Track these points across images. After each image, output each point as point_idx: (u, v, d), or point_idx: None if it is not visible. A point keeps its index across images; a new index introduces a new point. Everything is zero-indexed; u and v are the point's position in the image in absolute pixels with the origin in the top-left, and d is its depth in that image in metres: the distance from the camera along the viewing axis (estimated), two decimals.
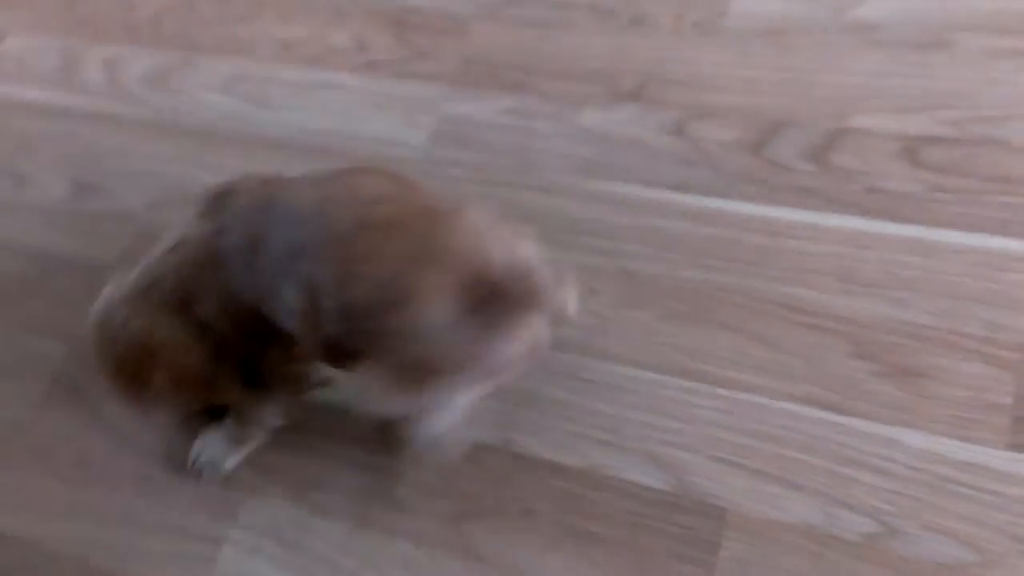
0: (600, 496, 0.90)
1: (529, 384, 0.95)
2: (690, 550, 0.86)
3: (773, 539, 0.85)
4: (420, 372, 0.74)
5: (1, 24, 1.49)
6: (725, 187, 1.07)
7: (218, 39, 1.37)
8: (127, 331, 0.83)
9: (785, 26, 1.16)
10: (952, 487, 0.85)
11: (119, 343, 0.84)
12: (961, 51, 1.09)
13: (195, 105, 1.31)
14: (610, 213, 1.07)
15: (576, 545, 0.88)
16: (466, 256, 0.70)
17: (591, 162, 1.12)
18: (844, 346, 0.94)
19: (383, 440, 0.96)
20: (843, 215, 1.01)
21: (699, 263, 1.02)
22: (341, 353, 0.78)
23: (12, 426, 1.09)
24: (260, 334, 0.82)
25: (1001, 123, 1.03)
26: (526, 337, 0.73)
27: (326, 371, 0.87)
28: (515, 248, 0.73)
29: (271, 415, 0.95)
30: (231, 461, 0.98)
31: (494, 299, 0.69)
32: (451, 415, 0.87)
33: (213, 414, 0.98)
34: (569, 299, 0.72)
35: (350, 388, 0.87)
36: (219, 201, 0.82)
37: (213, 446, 0.98)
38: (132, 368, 0.84)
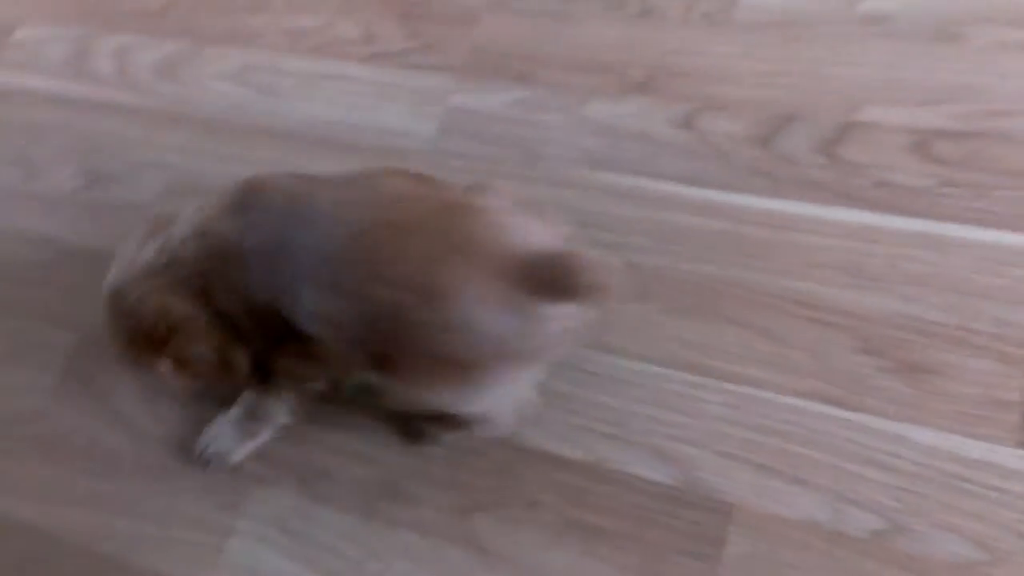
0: (605, 490, 0.90)
1: None
2: (695, 545, 0.86)
3: (779, 535, 0.85)
4: (458, 365, 0.74)
5: (13, 14, 1.49)
6: (733, 180, 1.06)
7: (227, 28, 1.37)
8: (144, 306, 0.84)
9: (795, 18, 1.15)
10: (960, 484, 0.84)
11: (135, 317, 0.85)
12: (972, 44, 1.07)
13: (204, 95, 1.31)
14: (617, 206, 1.07)
15: (580, 539, 0.88)
16: (494, 245, 0.70)
17: (598, 154, 1.11)
18: (851, 341, 0.93)
19: (390, 432, 0.97)
20: (851, 209, 1.01)
21: (706, 257, 1.01)
22: (372, 356, 0.78)
23: (23, 415, 1.09)
24: (278, 333, 0.82)
25: (1012, 117, 1.02)
26: (564, 319, 0.73)
27: (362, 377, 0.86)
28: (544, 232, 0.73)
29: (283, 412, 0.95)
30: (239, 453, 0.98)
31: (529, 284, 0.69)
32: (499, 404, 0.88)
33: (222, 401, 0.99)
34: (609, 277, 0.70)
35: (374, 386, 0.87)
36: (248, 197, 0.82)
37: (222, 437, 0.98)
38: (146, 342, 0.86)
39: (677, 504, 0.88)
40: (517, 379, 0.82)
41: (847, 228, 1.00)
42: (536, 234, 0.73)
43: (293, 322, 0.80)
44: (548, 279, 0.69)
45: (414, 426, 0.95)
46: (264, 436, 0.97)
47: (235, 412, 0.97)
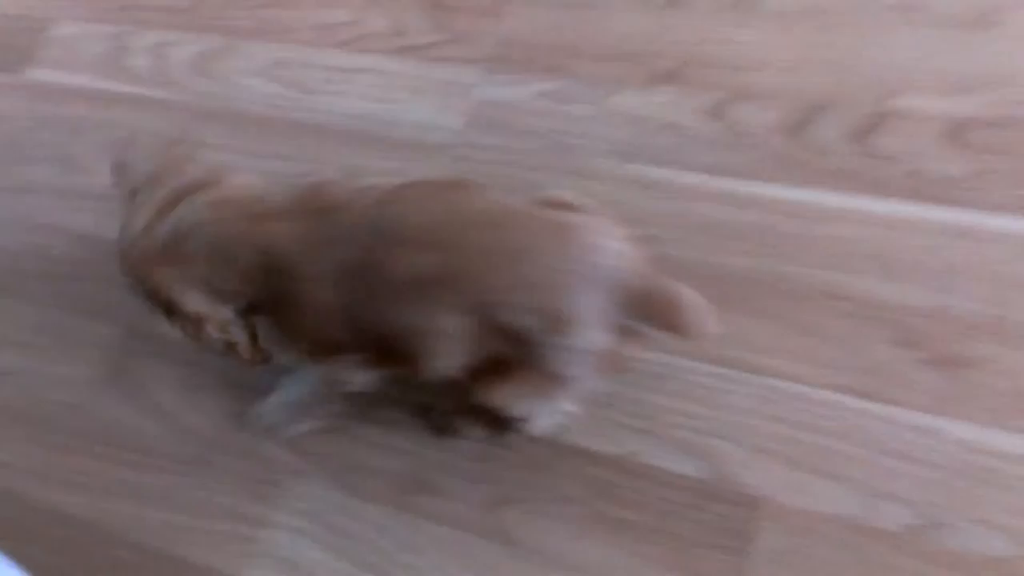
0: (634, 484, 0.90)
1: None
2: (724, 539, 0.86)
3: (809, 529, 0.84)
4: (557, 379, 0.76)
5: (51, 12, 1.51)
6: (763, 171, 1.05)
7: (259, 23, 1.38)
8: (150, 282, 0.84)
9: (826, 5, 1.13)
10: (996, 478, 0.83)
11: (144, 285, 0.85)
12: (1008, 30, 1.05)
13: (237, 90, 1.32)
14: (646, 197, 1.06)
15: (609, 532, 0.89)
16: (605, 271, 0.72)
17: (627, 145, 1.11)
18: (885, 333, 0.92)
19: (420, 426, 0.98)
20: (884, 199, 0.99)
21: (736, 249, 1.00)
22: (472, 368, 0.79)
23: (67, 408, 1.12)
24: (366, 342, 0.82)
25: None
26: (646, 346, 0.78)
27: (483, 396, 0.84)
28: (636, 256, 0.75)
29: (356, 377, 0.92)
30: (294, 429, 1.00)
31: (634, 313, 0.73)
32: (561, 408, 0.89)
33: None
34: (704, 319, 0.73)
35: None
36: (314, 202, 0.82)
37: (280, 409, 1.00)
38: (155, 305, 0.86)
39: (706, 498, 0.88)
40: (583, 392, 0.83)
41: (880, 218, 0.98)
42: (632, 259, 0.74)
43: (389, 335, 0.79)
44: (654, 313, 0.73)
45: (443, 420, 0.96)
46: (318, 419, 0.99)
47: (296, 388, 0.99)
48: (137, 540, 1.01)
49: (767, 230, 1.01)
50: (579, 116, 1.15)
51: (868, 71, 1.07)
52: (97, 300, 1.20)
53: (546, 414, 0.85)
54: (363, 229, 0.77)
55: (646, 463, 0.91)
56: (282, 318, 0.84)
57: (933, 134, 1.02)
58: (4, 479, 1.09)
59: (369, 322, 0.79)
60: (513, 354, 0.75)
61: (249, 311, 0.85)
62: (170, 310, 0.84)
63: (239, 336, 0.85)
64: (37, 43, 1.48)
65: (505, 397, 0.79)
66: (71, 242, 1.26)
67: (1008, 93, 1.02)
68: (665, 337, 0.75)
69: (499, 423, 0.93)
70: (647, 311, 0.73)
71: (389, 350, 0.80)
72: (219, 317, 0.84)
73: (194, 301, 0.82)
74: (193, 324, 0.83)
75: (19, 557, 1.02)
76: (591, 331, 0.72)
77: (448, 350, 0.77)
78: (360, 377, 0.88)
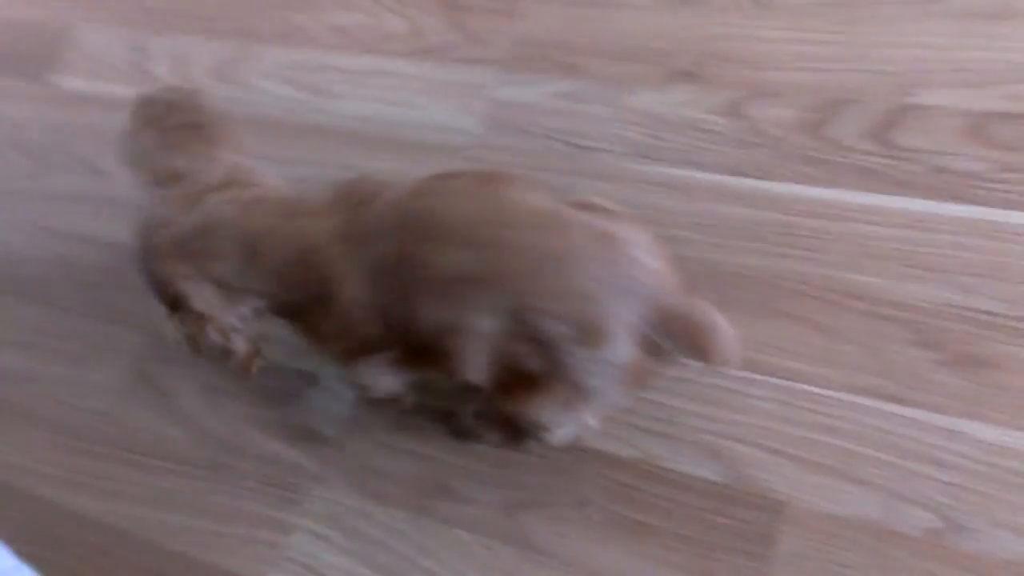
0: (654, 488, 0.90)
1: None
2: (745, 543, 0.85)
3: (831, 533, 0.84)
4: (583, 391, 0.75)
5: (72, 19, 1.53)
6: (783, 169, 1.04)
7: (278, 28, 1.39)
8: (162, 277, 0.84)
9: None
10: (1019, 480, 0.82)
11: (155, 280, 0.85)
12: None
13: (256, 94, 1.33)
14: (663, 198, 1.06)
15: (629, 536, 0.89)
16: (643, 289, 0.71)
17: (644, 145, 1.10)
18: (906, 334, 0.91)
19: (439, 431, 0.98)
20: (906, 196, 0.98)
21: (755, 249, 1.00)
22: (498, 369, 0.77)
23: (93, 415, 1.14)
24: (396, 338, 0.81)
25: None
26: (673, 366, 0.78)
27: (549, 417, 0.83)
28: (671, 274, 0.74)
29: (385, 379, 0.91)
30: (325, 434, 1.00)
31: (667, 332, 0.72)
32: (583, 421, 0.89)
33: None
34: (730, 348, 0.73)
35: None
36: (349, 197, 0.81)
37: (317, 410, 1.01)
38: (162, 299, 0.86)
39: (727, 502, 0.88)
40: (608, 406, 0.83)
41: (902, 216, 0.97)
42: (667, 276, 0.74)
43: (399, 326, 0.78)
44: (681, 334, 0.72)
45: (463, 425, 0.96)
46: (346, 425, 1.00)
47: (324, 397, 1.00)
48: (161, 545, 1.02)
49: (786, 230, 1.00)
50: (595, 116, 1.14)
51: (888, 66, 1.06)
52: (123, 308, 1.21)
53: (568, 426, 0.84)
54: (399, 223, 0.76)
55: (666, 467, 0.91)
56: (312, 317, 0.82)
57: (956, 130, 1.00)
58: (30, 484, 1.11)
59: (402, 318, 0.77)
60: (541, 363, 0.74)
61: (274, 311, 0.84)
62: (176, 305, 0.83)
63: (238, 344, 0.85)
64: (60, 51, 1.50)
65: (529, 406, 0.78)
66: (98, 250, 1.28)
67: None
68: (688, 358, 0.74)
69: (519, 431, 0.93)
70: (675, 330, 0.72)
71: (419, 349, 0.79)
72: (225, 320, 0.83)
73: (204, 299, 0.82)
74: (195, 323, 0.82)
75: (45, 562, 1.04)
76: (622, 345, 0.71)
77: (478, 351, 0.75)
78: (387, 381, 0.87)
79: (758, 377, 0.93)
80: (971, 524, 0.81)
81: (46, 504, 1.09)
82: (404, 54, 1.29)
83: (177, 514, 1.03)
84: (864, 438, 0.87)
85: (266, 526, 1.00)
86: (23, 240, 1.32)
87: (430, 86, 1.25)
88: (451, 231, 0.73)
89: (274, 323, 0.86)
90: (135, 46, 1.45)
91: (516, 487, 0.94)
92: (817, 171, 1.03)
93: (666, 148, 1.09)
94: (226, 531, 1.01)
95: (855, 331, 0.93)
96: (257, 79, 1.35)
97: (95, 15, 1.52)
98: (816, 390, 0.91)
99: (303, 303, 0.81)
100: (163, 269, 0.82)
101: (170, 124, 0.90)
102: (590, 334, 0.71)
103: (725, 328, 0.72)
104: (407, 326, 0.77)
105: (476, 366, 0.77)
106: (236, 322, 0.84)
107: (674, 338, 0.72)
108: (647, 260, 0.73)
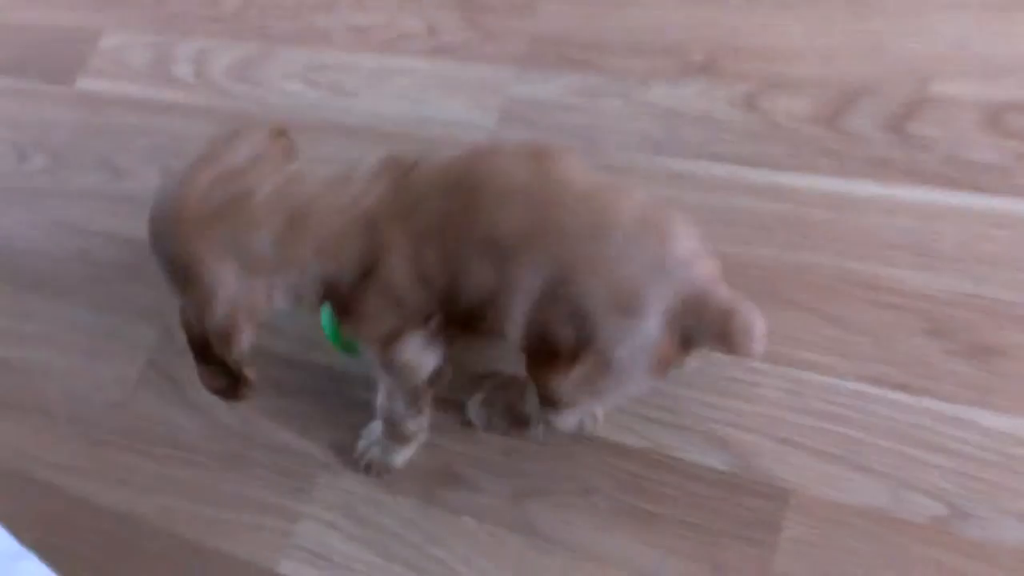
0: (660, 476, 0.90)
1: None
2: (750, 531, 0.85)
3: (837, 521, 0.83)
4: (607, 371, 0.74)
5: (97, 23, 1.56)
6: (797, 161, 1.03)
7: (297, 28, 1.41)
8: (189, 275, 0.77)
9: None
10: None
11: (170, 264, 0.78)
12: None
13: (277, 95, 1.35)
14: (678, 190, 1.06)
15: (636, 524, 0.88)
16: (684, 275, 0.70)
17: (659, 139, 1.10)
18: (917, 323, 0.90)
19: (451, 421, 0.99)
20: (920, 187, 0.97)
21: (768, 240, 0.99)
22: (526, 337, 0.76)
23: (108, 406, 1.15)
24: (445, 300, 0.78)
25: None
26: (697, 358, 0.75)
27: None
28: (709, 264, 0.73)
29: (412, 416, 0.92)
30: (401, 457, 0.97)
31: (698, 322, 0.70)
32: (604, 406, 0.89)
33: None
34: (756, 342, 0.72)
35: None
36: (397, 166, 0.79)
37: (378, 444, 0.97)
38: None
39: (733, 490, 0.87)
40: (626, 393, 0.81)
41: (915, 207, 0.96)
42: (705, 262, 0.73)
43: (443, 287, 0.76)
44: (709, 321, 0.70)
45: (474, 413, 0.96)
46: (418, 438, 0.97)
47: (378, 423, 0.97)
48: (175, 533, 1.03)
49: (799, 220, 0.99)
50: (611, 111, 1.15)
51: (903, 57, 1.05)
52: (138, 302, 1.23)
53: (582, 408, 0.83)
54: (451, 182, 0.75)
55: (673, 456, 0.90)
56: (354, 293, 0.78)
57: (971, 120, 0.99)
58: (47, 475, 1.13)
59: (447, 281, 0.75)
60: (572, 331, 0.72)
61: (309, 290, 0.79)
62: (186, 280, 0.75)
63: (245, 328, 0.77)
64: (86, 54, 1.53)
65: (552, 379, 0.76)
66: (116, 246, 1.30)
67: None
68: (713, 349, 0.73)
69: (526, 419, 0.94)
70: (708, 317, 0.70)
71: (461, 314, 0.77)
72: (240, 297, 0.76)
73: (217, 273, 0.75)
74: (198, 303, 0.75)
75: (57, 549, 1.06)
76: (654, 322, 0.70)
77: (519, 312, 0.74)
78: (429, 358, 0.84)
79: (767, 367, 0.92)
80: (977, 512, 0.80)
81: (58, 492, 1.11)
82: (421, 53, 1.30)
83: (188, 502, 1.05)
84: (872, 427, 0.86)
85: (276, 514, 1.01)
86: (41, 236, 1.35)
87: (447, 83, 1.26)
88: (504, 190, 0.73)
89: (302, 306, 0.82)
90: (157, 49, 1.48)
91: (523, 475, 0.94)
92: (832, 162, 1.02)
93: (681, 141, 1.09)
94: (236, 519, 1.02)
95: (866, 321, 0.92)
96: (277, 80, 1.37)
97: (122, 20, 1.55)
98: (825, 379, 0.90)
99: (346, 278, 0.78)
100: (183, 237, 0.74)
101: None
102: (626, 302, 0.70)
103: (759, 321, 0.71)
104: (451, 290, 0.76)
105: (515, 328, 0.76)
106: (252, 302, 0.77)
107: (706, 325, 0.70)
108: (689, 244, 0.72)
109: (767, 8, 1.15)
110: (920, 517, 0.81)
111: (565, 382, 0.76)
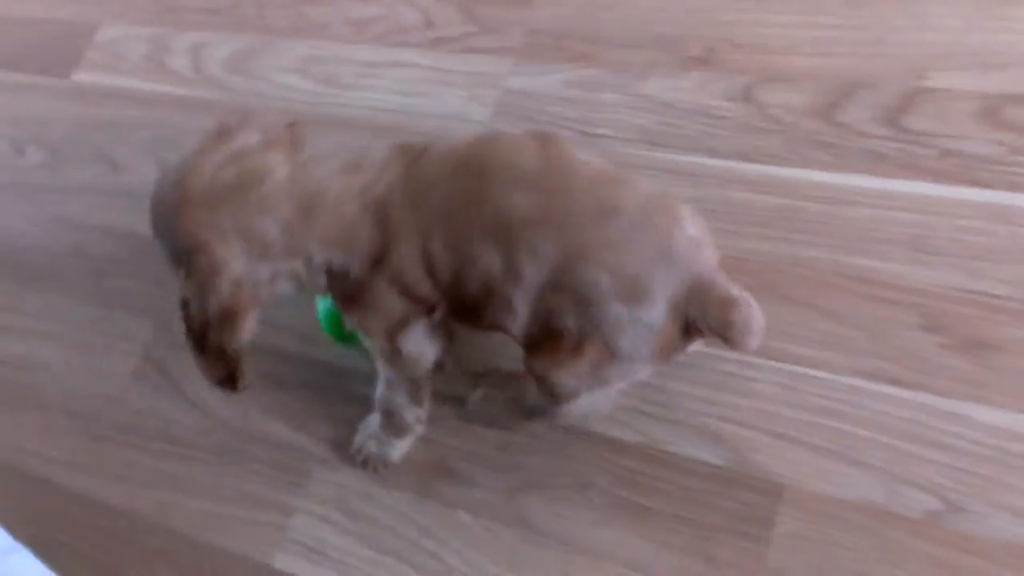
0: (655, 471, 0.90)
1: None
2: (745, 526, 0.85)
3: (831, 516, 0.83)
4: (612, 357, 0.74)
5: (95, 17, 1.56)
6: (793, 154, 1.03)
7: (293, 21, 1.40)
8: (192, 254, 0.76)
9: None
10: (1021, 463, 0.81)
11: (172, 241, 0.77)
12: None
13: (273, 88, 1.35)
14: (673, 184, 1.05)
15: (631, 518, 0.88)
16: (690, 262, 0.71)
17: (655, 132, 1.10)
18: (912, 318, 0.90)
19: (447, 416, 0.99)
20: (916, 180, 0.97)
21: (763, 234, 0.99)
22: (535, 318, 0.75)
23: (104, 400, 1.15)
24: (447, 284, 0.78)
25: None
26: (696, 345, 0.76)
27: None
28: (712, 255, 0.74)
29: (410, 407, 0.92)
30: (398, 451, 0.97)
31: (700, 310, 0.71)
32: (603, 396, 0.88)
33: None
34: (753, 334, 0.72)
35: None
36: (408, 152, 0.79)
37: (375, 438, 0.97)
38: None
39: (728, 485, 0.87)
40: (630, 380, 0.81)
41: (911, 201, 0.96)
42: (708, 251, 0.73)
43: (449, 272, 0.76)
44: (709, 310, 0.71)
45: (468, 407, 0.96)
46: (415, 430, 0.96)
47: (376, 416, 0.96)
48: (167, 527, 1.03)
49: (795, 214, 0.99)
50: (607, 104, 1.14)
51: (899, 50, 1.05)
52: (135, 296, 1.23)
53: (585, 397, 0.83)
54: (461, 165, 0.75)
55: (668, 450, 0.91)
56: (360, 284, 0.78)
57: (967, 113, 0.99)
58: (39, 468, 1.13)
59: (453, 268, 0.75)
60: (577, 320, 0.72)
61: (313, 279, 0.79)
62: (189, 260, 0.74)
63: (247, 305, 0.75)
64: (83, 47, 1.53)
65: (556, 368, 0.76)
66: (114, 240, 1.30)
67: None
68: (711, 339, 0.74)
69: (530, 414, 0.94)
70: (710, 307, 0.71)
71: (466, 303, 0.77)
72: (248, 275, 0.75)
73: (222, 254, 0.73)
74: (199, 284, 0.74)
75: (53, 544, 1.06)
76: (659, 309, 0.70)
77: (523, 300, 0.74)
78: (431, 350, 0.84)
79: (762, 362, 0.92)
80: (971, 506, 0.80)
81: (54, 487, 1.11)
82: (419, 45, 1.30)
83: (184, 497, 1.05)
84: (866, 421, 0.86)
85: (272, 508, 1.01)
86: (39, 231, 1.35)
87: (442, 76, 1.26)
88: (512, 175, 0.73)
89: (304, 291, 0.82)
90: (154, 42, 1.48)
91: (519, 470, 0.94)
92: (828, 156, 1.02)
93: (677, 134, 1.09)
94: (232, 513, 1.02)
95: (861, 315, 0.92)
96: (274, 73, 1.36)
97: (118, 13, 1.55)
98: (820, 374, 0.90)
99: (354, 268, 0.77)
100: (187, 216, 0.73)
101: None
102: (632, 289, 0.70)
103: (758, 315, 0.71)
104: (458, 277, 0.76)
105: (519, 317, 0.76)
106: (256, 286, 0.76)
107: (708, 315, 0.71)
108: (694, 233, 0.72)
109: (763, 2, 1.15)
110: (914, 512, 0.81)
111: (569, 372, 0.76)
